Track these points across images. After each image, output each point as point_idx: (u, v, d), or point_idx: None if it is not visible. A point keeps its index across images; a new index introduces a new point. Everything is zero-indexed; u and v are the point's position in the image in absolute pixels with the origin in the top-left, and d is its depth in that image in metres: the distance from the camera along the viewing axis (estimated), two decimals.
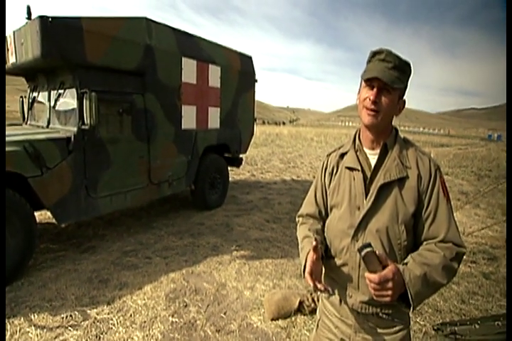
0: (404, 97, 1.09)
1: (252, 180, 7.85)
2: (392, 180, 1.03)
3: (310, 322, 2.44)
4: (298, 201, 5.95)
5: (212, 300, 2.73)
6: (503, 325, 2.10)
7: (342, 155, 1.18)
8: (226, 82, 5.15)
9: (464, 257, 3.92)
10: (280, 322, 2.44)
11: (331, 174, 1.20)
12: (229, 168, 5.75)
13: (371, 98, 1.01)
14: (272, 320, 2.46)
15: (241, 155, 5.95)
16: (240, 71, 5.46)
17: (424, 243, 1.05)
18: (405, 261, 1.00)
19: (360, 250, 0.91)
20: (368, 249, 0.89)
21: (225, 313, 2.55)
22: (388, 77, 0.99)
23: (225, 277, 3.11)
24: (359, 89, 1.09)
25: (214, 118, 5.06)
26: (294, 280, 3.08)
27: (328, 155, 1.26)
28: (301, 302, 2.54)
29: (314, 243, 1.00)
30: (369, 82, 1.03)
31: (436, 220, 1.03)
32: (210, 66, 4.78)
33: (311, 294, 2.62)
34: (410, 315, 2.56)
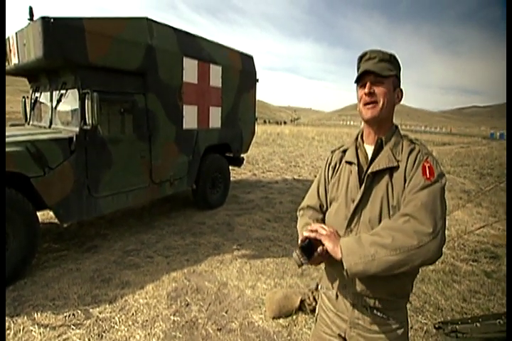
0: (404, 92, 1.13)
1: (253, 180, 7.85)
2: (380, 169, 1.05)
3: (311, 320, 2.45)
4: (299, 200, 5.92)
5: (214, 299, 2.74)
6: (505, 323, 2.10)
7: (344, 151, 1.24)
8: (227, 81, 5.15)
9: (466, 256, 3.91)
10: (281, 320, 2.46)
11: (334, 169, 1.24)
12: (230, 168, 5.76)
13: (366, 91, 1.06)
14: (273, 318, 2.47)
15: (242, 155, 5.96)
16: (241, 70, 5.46)
17: None
18: None
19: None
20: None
21: (226, 312, 2.56)
22: (376, 68, 1.05)
23: (226, 276, 3.12)
24: (357, 96, 1.13)
25: (215, 118, 5.07)
26: (296, 279, 3.09)
27: (333, 151, 1.31)
28: (302, 301, 2.55)
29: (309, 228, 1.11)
30: (361, 81, 1.09)
31: (407, 198, 0.99)
32: (211, 66, 4.79)
33: (312, 292, 2.63)
34: (411, 313, 2.55)
